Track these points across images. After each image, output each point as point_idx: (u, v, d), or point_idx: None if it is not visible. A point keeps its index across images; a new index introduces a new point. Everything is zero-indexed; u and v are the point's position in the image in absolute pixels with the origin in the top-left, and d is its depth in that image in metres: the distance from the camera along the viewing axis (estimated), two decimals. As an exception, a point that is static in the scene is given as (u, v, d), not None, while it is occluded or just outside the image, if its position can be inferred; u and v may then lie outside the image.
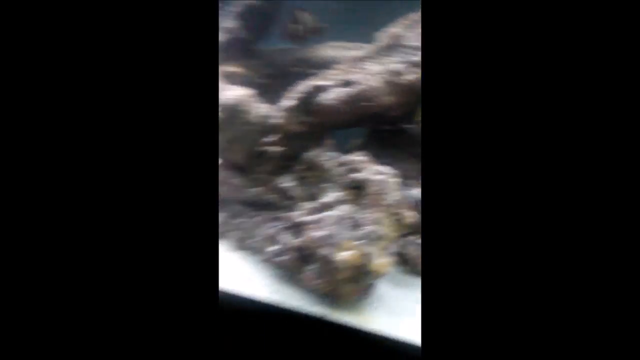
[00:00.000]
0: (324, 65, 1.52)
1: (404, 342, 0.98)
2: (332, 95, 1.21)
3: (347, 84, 1.23)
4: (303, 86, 1.24)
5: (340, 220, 1.11)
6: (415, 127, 1.65)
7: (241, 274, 1.24)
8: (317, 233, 1.09)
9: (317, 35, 1.60)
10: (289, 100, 1.24)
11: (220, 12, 1.77)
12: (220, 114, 1.36)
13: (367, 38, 1.49)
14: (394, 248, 1.36)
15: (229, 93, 1.35)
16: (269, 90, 1.54)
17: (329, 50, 1.59)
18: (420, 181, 1.45)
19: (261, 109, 1.34)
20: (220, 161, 1.44)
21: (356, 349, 1.04)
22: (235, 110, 1.33)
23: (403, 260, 1.35)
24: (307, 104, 1.24)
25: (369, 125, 1.55)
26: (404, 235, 1.31)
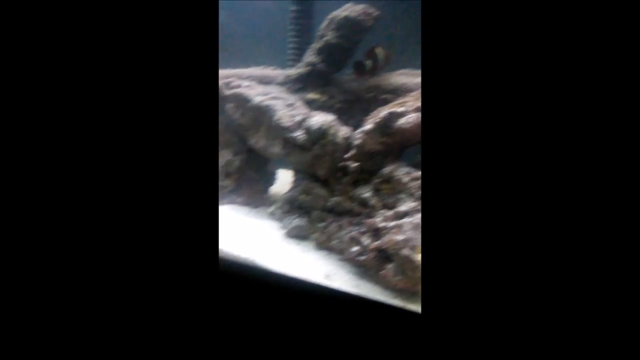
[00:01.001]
0: (394, 91, 1.75)
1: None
2: (407, 120, 1.44)
3: (419, 110, 1.44)
4: (382, 112, 1.47)
5: (417, 226, 1.31)
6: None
7: (322, 271, 1.46)
8: (397, 236, 1.30)
9: (384, 68, 1.81)
10: (369, 123, 1.48)
11: (304, 48, 2.08)
12: (306, 135, 1.63)
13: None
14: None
15: (316, 118, 1.63)
16: (346, 113, 1.80)
17: (398, 77, 1.82)
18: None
19: (343, 131, 1.60)
20: (306, 175, 1.71)
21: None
22: (321, 132, 1.60)
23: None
24: (384, 127, 1.47)
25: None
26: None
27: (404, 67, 1.84)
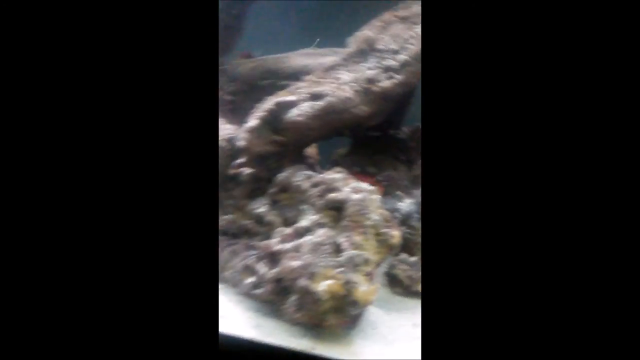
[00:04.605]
0: (295, 75, 1.53)
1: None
2: (301, 111, 1.22)
3: (315, 97, 1.23)
4: (267, 103, 1.25)
5: (318, 246, 1.11)
6: (399, 131, 1.66)
7: (220, 309, 1.24)
8: (294, 262, 1.09)
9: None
10: (254, 119, 1.24)
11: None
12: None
13: (342, 42, 1.50)
14: (382, 270, 1.36)
15: (192, 115, 1.36)
16: (237, 107, 1.55)
17: (300, 58, 1.60)
18: (406, 191, 1.46)
19: (227, 130, 1.35)
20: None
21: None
22: (200, 134, 1.34)
23: (394, 282, 1.35)
24: (273, 122, 1.25)
25: (348, 134, 1.56)
26: (393, 255, 1.31)
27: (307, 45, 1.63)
